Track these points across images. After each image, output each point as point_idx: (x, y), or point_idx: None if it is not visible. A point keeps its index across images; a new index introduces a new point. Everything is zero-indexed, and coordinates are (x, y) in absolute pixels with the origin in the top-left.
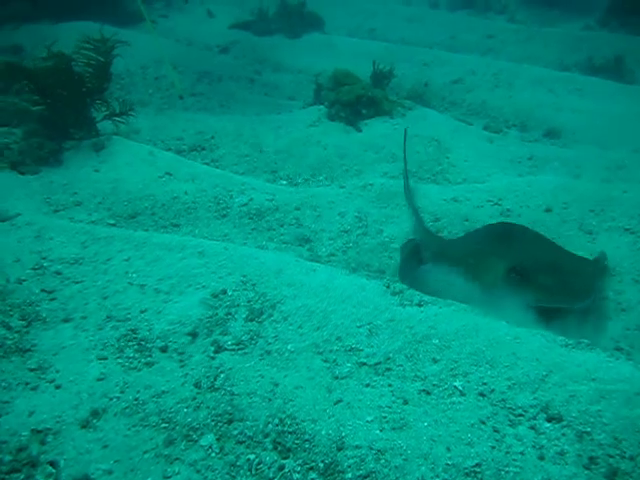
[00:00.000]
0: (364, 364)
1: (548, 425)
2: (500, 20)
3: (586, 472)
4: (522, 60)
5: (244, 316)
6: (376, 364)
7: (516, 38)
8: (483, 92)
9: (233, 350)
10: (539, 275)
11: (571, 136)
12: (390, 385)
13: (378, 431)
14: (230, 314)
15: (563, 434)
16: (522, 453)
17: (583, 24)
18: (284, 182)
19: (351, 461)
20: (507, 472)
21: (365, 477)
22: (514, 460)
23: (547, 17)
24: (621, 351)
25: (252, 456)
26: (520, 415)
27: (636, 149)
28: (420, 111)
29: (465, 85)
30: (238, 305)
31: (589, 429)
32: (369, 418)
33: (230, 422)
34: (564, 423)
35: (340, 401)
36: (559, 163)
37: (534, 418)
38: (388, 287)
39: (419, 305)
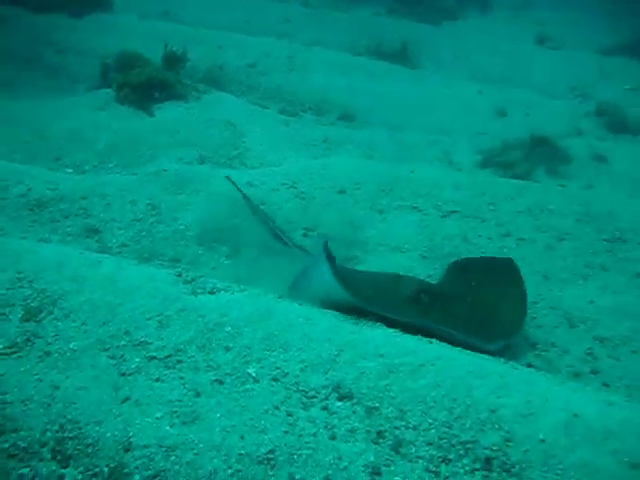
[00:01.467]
0: (154, 358)
1: (339, 404)
2: (295, 4)
3: (374, 446)
4: (317, 44)
5: (19, 316)
6: (166, 357)
7: (310, 22)
8: (279, 75)
9: (5, 355)
10: (454, 303)
11: (364, 118)
12: (182, 378)
13: (168, 427)
14: (3, 315)
15: (354, 412)
16: (314, 435)
17: (374, 11)
18: (70, 170)
19: (139, 462)
20: (300, 455)
21: (154, 477)
22: (307, 443)
23: (340, 3)
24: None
25: (26, 470)
26: (313, 397)
27: (423, 128)
28: (215, 95)
29: (260, 68)
30: (13, 305)
31: (377, 404)
32: (158, 414)
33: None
34: (354, 401)
35: (127, 399)
36: (353, 145)
37: (326, 399)
38: (179, 276)
39: (212, 293)
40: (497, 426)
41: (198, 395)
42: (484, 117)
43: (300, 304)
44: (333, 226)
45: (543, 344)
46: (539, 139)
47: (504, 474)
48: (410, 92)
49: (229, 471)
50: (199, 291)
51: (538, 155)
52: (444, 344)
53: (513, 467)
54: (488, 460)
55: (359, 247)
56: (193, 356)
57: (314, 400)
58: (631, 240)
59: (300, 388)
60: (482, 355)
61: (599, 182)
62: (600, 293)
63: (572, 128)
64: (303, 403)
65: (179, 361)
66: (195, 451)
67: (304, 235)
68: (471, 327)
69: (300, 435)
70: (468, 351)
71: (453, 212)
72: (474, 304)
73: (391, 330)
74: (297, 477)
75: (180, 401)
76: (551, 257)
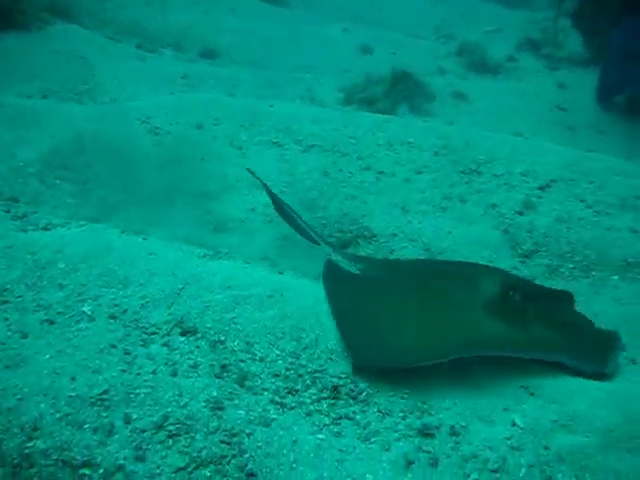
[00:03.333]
0: None
1: (182, 339)
2: None
3: (217, 381)
4: None
5: None
6: None
7: None
8: (136, 10)
9: None
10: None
11: (228, 56)
12: (6, 319)
13: None
14: None
15: (197, 346)
16: (154, 372)
17: None
18: None
19: None
20: (137, 394)
21: None
22: (145, 381)
23: None
24: (267, 260)
25: None
26: (154, 333)
27: (288, 66)
28: (62, 26)
29: (117, 2)
30: None
31: (223, 338)
32: None
33: None
34: (198, 335)
35: None
36: (214, 82)
37: (168, 334)
38: (8, 212)
39: (46, 229)
40: (346, 354)
41: (25, 336)
42: (349, 55)
43: (145, 238)
44: (188, 161)
45: None
46: (401, 75)
47: (351, 400)
48: (276, 30)
49: (57, 415)
50: (31, 227)
51: (400, 92)
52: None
53: (360, 393)
54: (336, 388)
55: (216, 183)
56: (21, 296)
57: (155, 337)
58: (487, 172)
59: (140, 325)
60: None
61: (460, 118)
62: (457, 224)
63: (435, 67)
64: (143, 340)
65: (5, 301)
66: (19, 396)
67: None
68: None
69: (138, 374)
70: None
71: (313, 146)
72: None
73: (240, 262)
74: (134, 417)
75: (4, 344)
76: (410, 190)
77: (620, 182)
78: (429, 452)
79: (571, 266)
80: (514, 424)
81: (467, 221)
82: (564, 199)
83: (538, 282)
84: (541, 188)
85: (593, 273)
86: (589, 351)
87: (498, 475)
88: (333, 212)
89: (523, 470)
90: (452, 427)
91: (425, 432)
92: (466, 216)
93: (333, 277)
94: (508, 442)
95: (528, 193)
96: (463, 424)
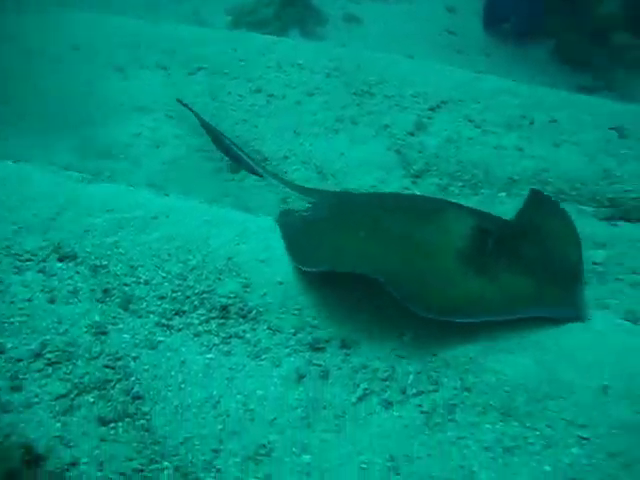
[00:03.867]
0: None
1: (60, 265)
2: None
3: (100, 305)
4: None
5: None
6: None
7: None
8: None
9: None
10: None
11: None
12: None
13: None
14: None
15: (77, 272)
16: (30, 300)
17: None
18: None
19: None
20: (11, 324)
21: None
22: (20, 309)
23: None
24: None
25: None
26: (28, 260)
27: None
28: None
29: None
30: None
31: (105, 262)
32: None
33: None
34: (78, 260)
35: None
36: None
37: (44, 261)
38: None
39: None
40: (235, 273)
41: None
42: None
43: (15, 162)
44: (66, 86)
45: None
46: None
47: (241, 319)
48: None
49: None
50: None
51: (291, 15)
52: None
53: (250, 312)
54: (225, 308)
55: (95, 108)
56: None
57: (30, 263)
58: (378, 94)
59: (12, 252)
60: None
61: (352, 42)
62: (350, 146)
63: None
64: (17, 267)
65: None
66: None
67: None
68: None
69: (12, 302)
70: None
71: (200, 69)
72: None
73: (123, 185)
74: (8, 346)
75: None
76: (301, 112)
77: (507, 102)
78: (320, 365)
79: (460, 184)
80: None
81: (359, 142)
82: (453, 120)
83: None
84: (432, 109)
85: (482, 191)
86: (560, 294)
87: (387, 383)
88: None
89: (411, 377)
90: (343, 340)
91: (316, 346)
92: (358, 137)
93: (288, 222)
94: (396, 352)
95: (419, 114)
96: (354, 338)
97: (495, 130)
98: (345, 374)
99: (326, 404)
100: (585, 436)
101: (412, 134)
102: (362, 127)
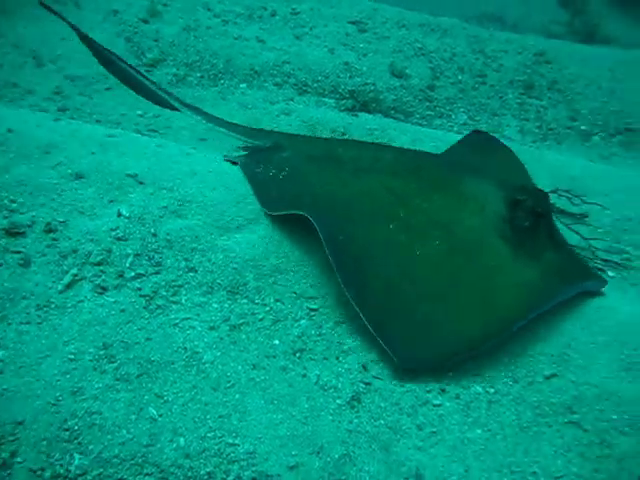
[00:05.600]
0: None
1: None
2: None
3: None
4: None
5: None
6: None
7: None
8: None
9: None
10: None
11: None
12: None
13: None
14: None
15: None
16: None
17: None
18: None
19: None
20: None
21: None
22: None
23: None
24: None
25: None
26: None
27: None
28: None
29: None
30: None
31: None
32: None
33: None
34: None
35: None
36: None
37: None
38: None
39: None
40: None
41: None
42: None
43: None
44: None
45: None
46: None
47: None
48: None
49: None
50: None
51: None
52: None
53: None
54: None
55: None
56: None
57: None
58: None
59: None
60: None
61: None
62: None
63: None
64: None
65: None
66: None
67: None
68: None
69: None
70: None
71: None
72: None
73: None
74: None
75: None
76: None
77: None
78: (19, 252)
79: (199, 75)
80: (120, 214)
81: (85, 28)
82: (191, 7)
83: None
84: None
85: (222, 81)
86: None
87: (102, 267)
88: None
89: (130, 259)
90: (48, 224)
91: (14, 231)
92: (84, 24)
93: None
94: (113, 233)
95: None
96: (61, 219)
97: (236, 20)
98: (51, 260)
99: (26, 294)
100: (314, 307)
101: (146, 21)
102: (87, 12)
